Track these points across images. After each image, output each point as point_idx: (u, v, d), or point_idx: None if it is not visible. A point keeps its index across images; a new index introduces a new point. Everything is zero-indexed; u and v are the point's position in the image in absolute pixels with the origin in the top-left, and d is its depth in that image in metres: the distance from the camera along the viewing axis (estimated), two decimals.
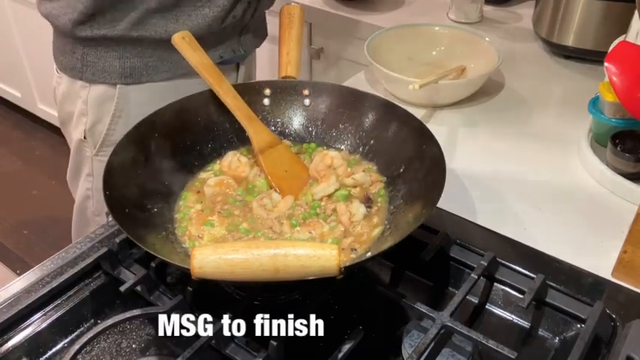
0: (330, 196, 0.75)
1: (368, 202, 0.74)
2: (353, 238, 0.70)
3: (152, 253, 0.60)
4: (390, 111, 0.80)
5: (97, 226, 1.04)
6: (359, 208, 0.72)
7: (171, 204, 0.75)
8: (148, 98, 0.96)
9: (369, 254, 0.67)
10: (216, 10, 0.94)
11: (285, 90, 0.85)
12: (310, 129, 0.85)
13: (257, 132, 0.80)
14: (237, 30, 1.03)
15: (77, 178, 1.09)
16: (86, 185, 1.07)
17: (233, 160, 0.80)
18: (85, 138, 1.02)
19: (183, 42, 0.82)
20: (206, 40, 0.83)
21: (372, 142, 0.81)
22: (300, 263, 0.51)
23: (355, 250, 0.68)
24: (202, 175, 0.80)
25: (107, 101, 0.97)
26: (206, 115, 0.82)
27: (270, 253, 0.52)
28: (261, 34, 1.13)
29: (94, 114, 0.99)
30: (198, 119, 0.82)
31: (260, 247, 0.53)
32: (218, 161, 0.81)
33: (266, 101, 0.85)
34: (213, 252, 0.53)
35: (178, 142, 0.79)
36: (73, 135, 1.04)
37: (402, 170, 0.75)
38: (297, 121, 0.85)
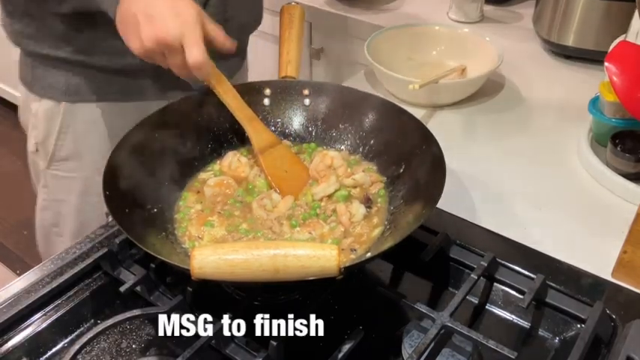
0: (330, 196, 0.75)
1: (368, 202, 0.74)
2: (353, 238, 0.70)
3: (152, 253, 0.60)
4: (390, 111, 0.80)
5: (56, 237, 1.01)
6: (359, 209, 0.72)
7: (171, 204, 0.75)
8: (96, 116, 0.93)
9: (368, 255, 0.67)
10: None
11: (286, 90, 0.85)
12: (310, 129, 0.85)
13: (257, 132, 0.80)
14: None
15: (37, 188, 1.05)
16: (42, 196, 1.04)
17: (233, 161, 0.80)
18: (37, 150, 0.99)
19: None
20: (165, 74, 0.75)
21: (372, 142, 0.81)
22: (300, 264, 0.51)
23: (355, 250, 0.68)
24: (202, 175, 0.80)
25: (55, 116, 0.95)
26: (206, 115, 0.82)
27: (270, 253, 0.52)
28: (240, 56, 1.07)
29: (43, 128, 0.96)
30: (198, 119, 0.81)
31: (260, 247, 0.53)
32: (218, 161, 0.81)
33: (266, 101, 0.85)
34: (213, 252, 0.53)
35: (178, 142, 0.79)
36: (28, 145, 1.02)
37: (402, 170, 0.75)
38: (297, 121, 0.85)
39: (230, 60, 1.02)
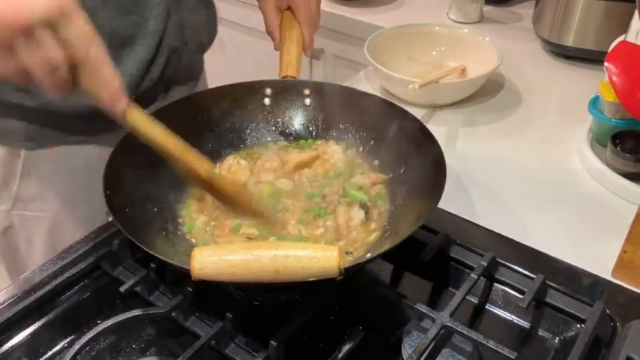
0: (342, 195, 0.75)
1: (365, 208, 0.73)
2: (345, 241, 0.69)
3: (152, 253, 0.60)
4: (390, 111, 0.80)
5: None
6: (357, 213, 0.72)
7: (172, 204, 0.75)
8: (58, 159, 0.87)
9: (368, 255, 0.67)
10: (123, 80, 0.68)
11: (286, 90, 0.85)
12: (311, 129, 0.85)
13: (199, 160, 0.67)
14: (160, 88, 0.89)
15: None
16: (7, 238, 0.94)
17: (233, 164, 0.80)
18: None
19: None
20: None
21: (372, 142, 0.81)
22: (301, 264, 0.51)
23: (350, 253, 0.68)
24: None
25: (14, 160, 0.87)
26: (206, 115, 0.82)
27: (271, 254, 0.52)
28: (194, 77, 0.98)
29: (3, 171, 0.89)
30: (199, 119, 0.81)
31: (260, 248, 0.53)
32: (218, 164, 0.81)
33: (266, 101, 0.85)
34: (213, 253, 0.53)
35: None
36: None
37: (402, 171, 0.75)
38: (297, 120, 0.85)
39: (193, 80, 0.95)
